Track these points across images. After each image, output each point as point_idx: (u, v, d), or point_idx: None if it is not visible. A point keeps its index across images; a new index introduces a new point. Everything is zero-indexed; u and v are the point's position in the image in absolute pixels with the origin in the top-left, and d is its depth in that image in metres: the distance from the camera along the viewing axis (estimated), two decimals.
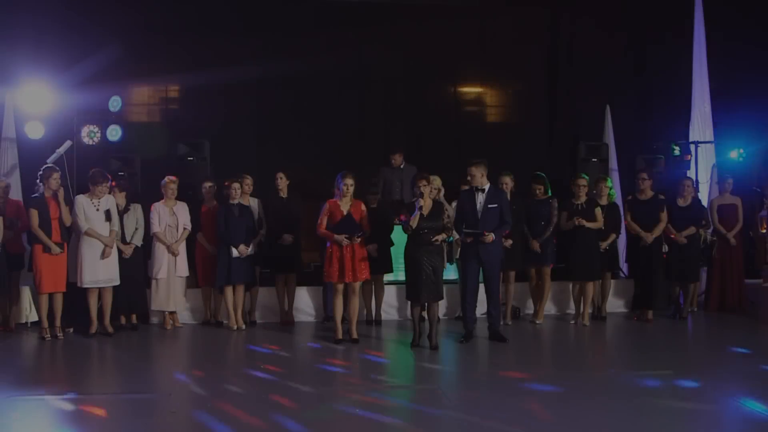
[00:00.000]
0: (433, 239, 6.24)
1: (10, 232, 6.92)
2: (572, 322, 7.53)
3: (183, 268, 7.32)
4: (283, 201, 7.46)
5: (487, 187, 6.52)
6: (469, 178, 6.53)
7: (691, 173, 9.19)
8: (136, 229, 7.20)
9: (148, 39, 9.53)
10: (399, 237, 6.83)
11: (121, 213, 7.11)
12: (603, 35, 10.60)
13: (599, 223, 7.33)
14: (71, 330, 7.01)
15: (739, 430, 4.42)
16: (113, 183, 7.25)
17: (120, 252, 7.01)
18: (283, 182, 7.46)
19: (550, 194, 7.52)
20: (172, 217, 7.28)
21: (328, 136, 10.11)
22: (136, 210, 7.25)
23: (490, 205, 6.45)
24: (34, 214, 6.63)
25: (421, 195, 6.27)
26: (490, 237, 6.35)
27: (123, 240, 7.10)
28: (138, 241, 7.19)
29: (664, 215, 7.46)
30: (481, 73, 10.71)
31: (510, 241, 7.15)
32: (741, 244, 8.24)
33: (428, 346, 6.30)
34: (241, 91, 9.84)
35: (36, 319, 7.07)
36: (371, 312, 7.59)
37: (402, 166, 8.62)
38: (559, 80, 10.73)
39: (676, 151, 9.26)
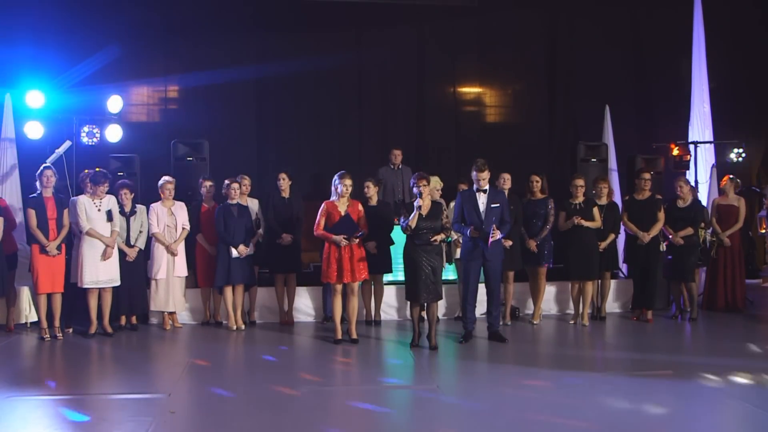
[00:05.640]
0: (432, 239, 6.24)
1: None
2: (571, 322, 7.53)
3: (182, 268, 7.32)
4: (285, 201, 7.46)
5: (487, 187, 6.54)
6: (480, 181, 6.48)
7: (690, 173, 9.20)
8: (140, 232, 7.20)
9: (148, 39, 9.54)
10: (399, 237, 6.82)
11: (128, 215, 7.12)
12: (602, 35, 10.60)
13: (597, 223, 7.33)
14: (71, 330, 7.01)
15: (738, 429, 4.42)
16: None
17: (124, 254, 7.02)
18: (285, 182, 7.46)
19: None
20: (170, 218, 7.28)
21: (327, 137, 10.11)
22: (142, 213, 7.26)
23: (492, 205, 6.46)
24: (32, 214, 6.62)
25: (421, 195, 6.27)
26: (498, 234, 6.38)
27: (127, 243, 7.11)
28: (141, 244, 7.19)
29: (661, 215, 7.45)
30: (481, 73, 10.71)
31: (510, 242, 7.15)
32: (740, 244, 8.24)
33: (428, 346, 6.30)
34: (241, 91, 9.85)
35: (35, 319, 7.06)
36: (371, 312, 7.59)
37: (401, 167, 8.67)
38: (559, 80, 10.74)
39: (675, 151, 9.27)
